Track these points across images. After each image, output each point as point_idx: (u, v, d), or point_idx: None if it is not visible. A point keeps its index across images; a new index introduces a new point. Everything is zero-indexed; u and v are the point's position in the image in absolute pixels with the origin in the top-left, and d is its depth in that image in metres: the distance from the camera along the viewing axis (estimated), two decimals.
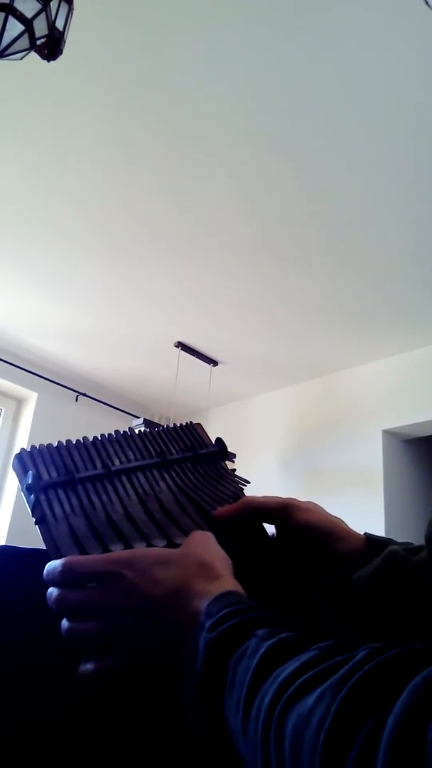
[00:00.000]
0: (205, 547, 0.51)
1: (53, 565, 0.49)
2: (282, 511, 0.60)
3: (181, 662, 0.44)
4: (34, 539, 0.55)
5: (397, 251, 2.32)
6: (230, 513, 0.61)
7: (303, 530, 0.60)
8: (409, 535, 2.85)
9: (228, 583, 0.47)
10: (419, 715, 0.25)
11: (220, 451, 0.69)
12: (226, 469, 0.68)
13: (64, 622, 0.48)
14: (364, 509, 2.84)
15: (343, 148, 1.88)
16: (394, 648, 0.31)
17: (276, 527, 0.63)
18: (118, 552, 0.50)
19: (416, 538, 0.60)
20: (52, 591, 0.49)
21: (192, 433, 0.71)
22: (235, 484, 0.66)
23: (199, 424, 0.73)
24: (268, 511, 0.61)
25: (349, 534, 0.60)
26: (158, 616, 0.46)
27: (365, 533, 0.60)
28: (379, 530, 2.72)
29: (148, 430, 0.69)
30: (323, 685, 0.31)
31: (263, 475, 3.29)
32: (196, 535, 0.54)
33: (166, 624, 0.46)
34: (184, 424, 0.72)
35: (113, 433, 0.66)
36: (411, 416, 2.90)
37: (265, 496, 0.62)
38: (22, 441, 3.51)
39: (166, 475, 0.64)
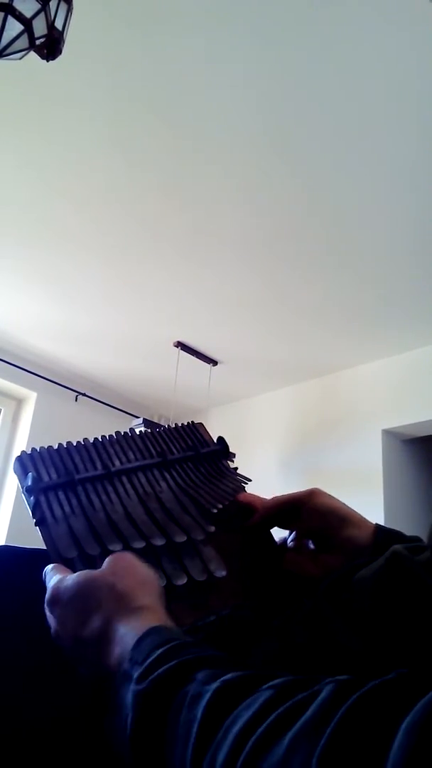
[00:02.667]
0: (122, 572, 0.46)
1: (48, 568, 0.50)
2: (308, 496, 0.64)
3: (108, 717, 0.39)
4: (34, 539, 0.55)
5: (397, 251, 2.32)
6: (264, 515, 0.63)
7: (321, 513, 0.62)
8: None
9: (151, 615, 0.42)
10: (423, 758, 0.22)
11: (222, 450, 0.69)
12: (227, 467, 0.68)
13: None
14: (363, 509, 2.81)
15: (343, 148, 1.88)
16: (363, 682, 0.27)
17: (296, 515, 0.64)
18: (64, 578, 0.47)
19: None
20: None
21: (194, 432, 0.71)
22: (237, 482, 0.66)
23: (201, 423, 0.73)
24: (297, 501, 0.63)
25: (362, 522, 0.63)
26: (90, 655, 0.43)
27: (376, 524, 0.63)
28: None
29: (148, 430, 0.69)
30: (291, 730, 0.26)
31: (263, 474, 3.29)
32: (111, 559, 0.48)
33: (97, 663, 0.42)
34: (186, 423, 0.72)
35: (114, 434, 0.66)
36: (411, 416, 2.90)
37: (286, 494, 0.65)
38: (22, 441, 3.50)
39: (167, 475, 0.64)
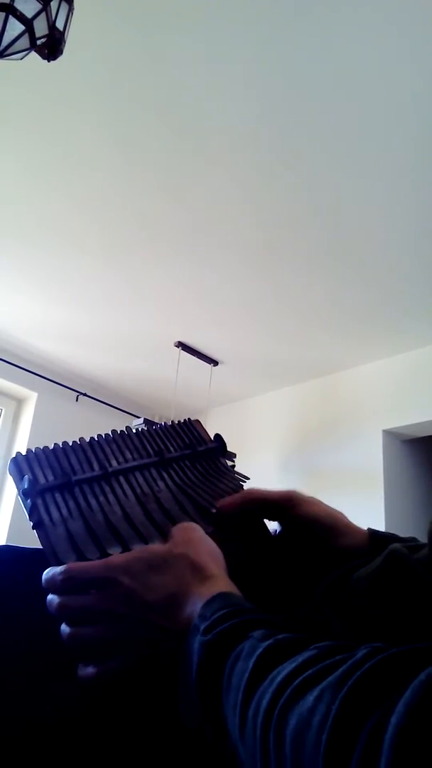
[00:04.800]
0: (193, 544, 0.50)
1: (52, 572, 0.49)
2: (286, 502, 0.60)
3: (178, 667, 0.44)
4: (34, 540, 0.55)
5: (397, 251, 2.32)
6: (234, 506, 0.60)
7: (306, 523, 0.59)
8: (410, 534, 2.84)
9: (221, 583, 0.47)
10: (423, 713, 0.25)
11: (219, 448, 0.69)
12: (225, 465, 0.68)
13: (65, 628, 0.48)
14: (364, 509, 2.84)
15: (343, 147, 1.88)
16: (395, 647, 0.31)
17: (279, 520, 0.62)
18: (114, 557, 0.49)
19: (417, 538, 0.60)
20: (53, 598, 0.49)
21: (190, 430, 0.70)
22: (235, 481, 0.66)
23: (198, 420, 0.72)
24: (272, 502, 0.61)
25: (350, 528, 0.60)
26: (155, 621, 0.46)
27: (369, 528, 0.60)
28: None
29: (145, 427, 0.68)
30: (322, 683, 0.30)
31: (263, 475, 3.29)
32: (180, 529, 0.52)
33: (163, 629, 0.46)
34: (183, 420, 0.71)
35: (110, 433, 0.66)
36: (411, 416, 2.90)
37: (266, 490, 0.62)
38: (22, 441, 3.50)
39: (165, 474, 0.63)
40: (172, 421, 0.71)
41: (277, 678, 0.33)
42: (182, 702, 0.43)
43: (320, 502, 0.61)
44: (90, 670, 0.47)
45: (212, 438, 0.70)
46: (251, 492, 0.62)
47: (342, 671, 0.30)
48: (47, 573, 0.50)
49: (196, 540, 0.51)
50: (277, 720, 0.31)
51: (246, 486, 0.66)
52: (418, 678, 0.26)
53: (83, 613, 0.48)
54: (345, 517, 0.61)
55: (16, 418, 3.63)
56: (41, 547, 0.54)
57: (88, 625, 0.47)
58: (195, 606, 0.44)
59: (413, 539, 0.57)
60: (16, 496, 3.22)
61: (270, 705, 0.32)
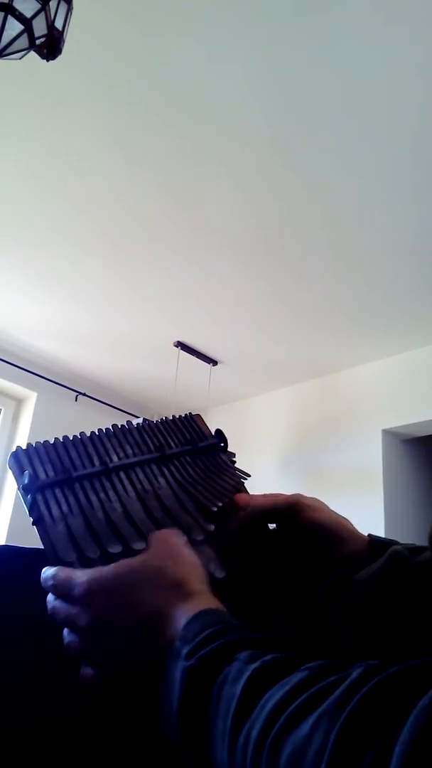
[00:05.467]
0: (174, 556, 0.48)
1: (45, 573, 0.49)
2: (290, 509, 0.60)
3: (157, 691, 0.42)
4: (34, 539, 0.55)
5: (397, 251, 2.32)
6: (240, 523, 0.60)
7: (310, 529, 0.59)
8: (410, 534, 2.85)
9: (203, 599, 0.44)
10: (428, 741, 0.23)
11: (220, 443, 0.68)
12: (226, 461, 0.67)
13: (64, 630, 0.48)
14: (364, 509, 2.84)
15: (343, 148, 1.88)
16: (390, 665, 0.29)
17: (280, 525, 0.62)
18: (98, 569, 0.47)
19: (417, 538, 0.60)
20: (50, 598, 0.49)
21: (191, 425, 0.69)
22: (236, 477, 0.65)
23: (199, 415, 0.71)
24: (276, 511, 0.60)
25: (354, 535, 0.59)
26: (135, 639, 0.44)
27: (369, 534, 0.60)
28: (379, 530, 2.72)
29: (147, 423, 0.68)
30: (318, 710, 0.28)
31: (263, 474, 3.29)
32: (159, 540, 0.49)
33: (144, 647, 0.44)
34: (184, 415, 0.71)
35: (111, 427, 0.65)
36: (411, 416, 2.90)
37: (270, 496, 0.61)
38: (22, 441, 3.50)
39: (165, 470, 0.62)
40: (173, 416, 0.70)
41: (268, 705, 0.31)
42: (164, 728, 0.40)
43: (325, 508, 0.61)
44: (88, 671, 0.47)
45: (213, 433, 0.69)
46: (255, 506, 0.60)
47: (337, 696, 0.29)
48: (44, 572, 0.50)
49: (174, 552, 0.48)
50: (269, 751, 0.29)
51: (246, 485, 0.66)
52: (421, 703, 0.25)
53: (68, 622, 0.47)
54: (350, 524, 0.61)
55: (15, 418, 3.63)
56: (41, 546, 0.54)
57: (76, 634, 0.47)
58: (176, 626, 0.42)
59: (412, 545, 0.57)
60: (16, 495, 3.23)
61: (261, 735, 0.30)
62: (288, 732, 0.29)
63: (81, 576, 0.47)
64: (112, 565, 0.47)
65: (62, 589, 0.47)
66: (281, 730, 0.29)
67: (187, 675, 0.37)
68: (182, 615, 0.42)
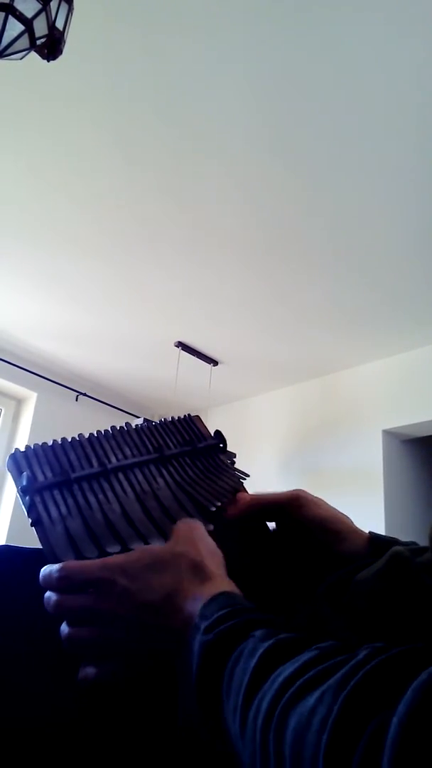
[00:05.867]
0: (194, 543, 0.50)
1: (49, 569, 0.49)
2: (293, 502, 0.60)
3: (177, 667, 0.44)
4: (34, 539, 0.55)
5: (397, 251, 2.32)
6: (239, 514, 0.60)
7: (311, 525, 0.59)
8: (410, 535, 2.84)
9: (222, 583, 0.46)
10: (425, 714, 0.25)
11: (219, 444, 0.68)
12: (225, 462, 0.67)
13: (64, 627, 0.48)
14: (363, 509, 2.84)
15: (343, 147, 1.88)
16: (396, 647, 0.31)
17: (280, 521, 0.62)
18: (111, 557, 0.48)
19: (417, 538, 0.60)
20: (50, 596, 0.48)
21: (190, 426, 0.69)
22: (235, 478, 0.65)
23: (197, 416, 0.71)
24: (277, 505, 0.61)
25: (354, 533, 0.59)
26: (154, 622, 0.45)
27: (370, 532, 0.60)
28: (379, 530, 2.71)
29: (145, 424, 0.68)
30: (324, 685, 0.30)
31: (263, 474, 3.29)
32: (182, 528, 0.52)
33: (162, 629, 0.45)
34: (183, 416, 0.71)
35: (109, 429, 0.65)
36: (411, 416, 2.90)
37: (271, 493, 0.61)
38: (22, 441, 3.50)
39: (164, 471, 0.63)
40: (172, 417, 0.70)
41: (278, 679, 0.33)
42: (182, 702, 0.42)
43: (326, 505, 0.61)
44: (90, 670, 0.47)
45: (212, 434, 0.69)
46: (256, 499, 0.61)
47: (343, 672, 0.30)
48: (44, 570, 0.49)
49: (197, 538, 0.51)
50: (277, 721, 0.31)
51: (245, 484, 0.66)
52: (419, 678, 0.26)
53: (79, 613, 0.47)
54: (350, 521, 0.61)
55: (15, 418, 3.63)
56: (40, 545, 0.54)
57: (85, 626, 0.47)
58: (195, 606, 0.44)
59: (413, 543, 0.57)
60: (16, 496, 3.23)
61: (270, 706, 0.32)
62: (295, 704, 0.31)
63: (95, 563, 0.48)
64: (134, 551, 0.49)
65: (75, 578, 0.47)
66: (288, 702, 0.31)
67: (205, 649, 0.39)
68: (202, 596, 0.44)
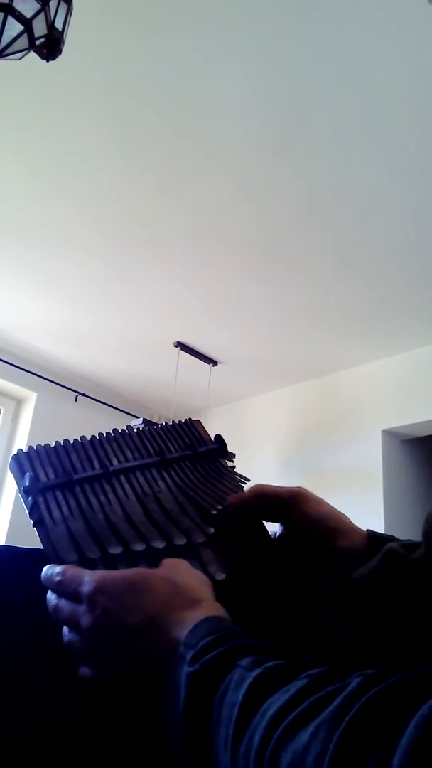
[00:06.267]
0: (180, 570, 0.49)
1: (51, 571, 0.49)
2: (293, 499, 0.60)
3: (160, 696, 0.42)
4: (33, 539, 0.55)
5: (397, 251, 2.32)
6: (243, 501, 0.60)
7: (311, 521, 0.59)
8: (410, 535, 2.84)
9: (207, 607, 0.45)
10: (428, 750, 0.24)
11: (220, 449, 0.68)
12: (225, 466, 0.68)
13: (63, 628, 0.48)
14: (363, 509, 2.84)
15: (343, 148, 1.88)
16: (389, 675, 0.29)
17: (285, 516, 0.62)
18: (98, 571, 0.48)
19: (416, 538, 0.60)
20: (51, 597, 0.48)
21: (191, 430, 0.70)
22: (235, 482, 0.66)
23: (198, 421, 0.72)
24: (280, 499, 0.61)
25: (353, 530, 0.60)
26: (135, 644, 0.44)
27: (368, 530, 0.61)
28: (378, 530, 2.71)
29: (147, 427, 0.68)
30: (317, 718, 0.29)
31: (263, 475, 3.29)
32: (168, 561, 0.50)
33: (144, 653, 0.44)
34: (183, 421, 0.71)
35: (111, 432, 0.66)
36: (411, 416, 2.90)
37: (274, 486, 0.62)
38: (22, 441, 3.50)
39: (165, 475, 0.63)
40: (173, 421, 0.70)
41: (269, 712, 0.32)
42: (165, 733, 0.40)
43: (326, 502, 0.62)
44: (86, 670, 0.47)
45: (213, 439, 0.70)
46: (262, 487, 0.62)
47: (336, 705, 0.29)
48: (47, 570, 0.50)
49: (182, 567, 0.49)
50: (270, 758, 0.30)
51: (246, 487, 0.66)
52: (420, 712, 0.25)
53: (69, 621, 0.47)
54: (349, 519, 0.62)
55: (15, 418, 3.63)
56: (41, 546, 0.54)
57: (77, 634, 0.47)
58: (180, 631, 0.42)
59: (410, 541, 0.57)
60: (16, 496, 3.23)
61: (262, 742, 0.31)
62: (288, 740, 0.29)
63: (90, 575, 0.47)
64: (122, 570, 0.48)
65: (69, 587, 0.47)
66: (281, 738, 0.30)
67: (191, 680, 0.38)
68: (187, 621, 0.43)
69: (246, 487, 0.66)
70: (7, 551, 0.65)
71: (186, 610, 0.44)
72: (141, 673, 0.45)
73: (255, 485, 0.62)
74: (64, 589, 0.48)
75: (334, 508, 0.61)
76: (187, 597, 0.45)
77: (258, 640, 0.39)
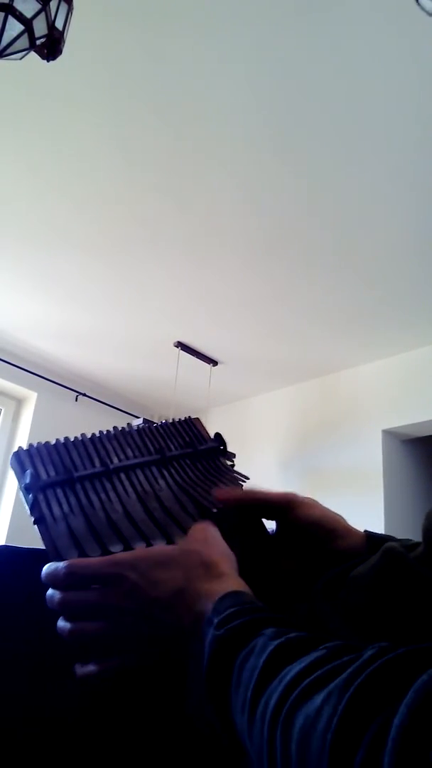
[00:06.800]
0: (207, 543, 0.51)
1: (55, 567, 0.49)
2: (285, 504, 0.60)
3: (187, 661, 0.44)
4: (34, 538, 0.55)
5: (397, 251, 2.32)
6: (234, 500, 0.60)
7: (304, 526, 0.59)
8: (409, 535, 2.84)
9: (233, 582, 0.47)
10: (424, 714, 0.25)
11: (220, 447, 0.69)
12: (225, 465, 0.68)
13: (64, 624, 0.48)
14: (363, 509, 2.84)
15: (343, 147, 1.88)
16: (401, 647, 0.31)
17: (277, 522, 0.62)
18: (120, 553, 0.49)
19: (416, 538, 0.60)
20: (54, 593, 0.48)
21: (191, 428, 0.70)
22: (235, 480, 0.66)
23: (198, 419, 0.72)
24: (271, 504, 0.61)
25: (349, 531, 0.60)
26: (162, 617, 0.46)
27: (365, 530, 0.60)
28: (378, 530, 2.71)
29: (147, 426, 0.68)
30: (330, 685, 0.31)
31: (263, 475, 3.29)
32: (197, 529, 0.53)
33: (169, 625, 0.46)
34: (183, 419, 0.71)
35: (112, 429, 0.66)
36: (411, 416, 2.90)
37: (266, 491, 0.62)
38: (22, 441, 3.50)
39: (166, 473, 0.63)
40: (173, 419, 0.71)
41: (286, 677, 0.33)
42: (190, 693, 0.43)
43: (319, 505, 0.61)
44: (90, 668, 0.47)
45: (212, 437, 0.70)
46: (252, 492, 0.61)
47: (349, 672, 0.30)
48: (48, 567, 0.49)
49: (209, 539, 0.51)
50: (284, 720, 0.32)
51: (246, 486, 0.66)
52: (420, 679, 0.27)
53: (85, 609, 0.47)
54: (344, 520, 0.61)
55: (15, 418, 3.63)
56: (41, 545, 0.54)
57: (91, 621, 0.47)
58: (206, 603, 0.44)
59: (408, 540, 0.57)
60: (16, 496, 3.23)
61: (278, 704, 0.33)
62: (302, 703, 0.31)
63: (103, 559, 0.48)
64: (147, 548, 0.50)
65: (82, 574, 0.48)
66: (296, 701, 0.32)
67: (216, 643, 0.40)
68: (213, 593, 0.45)
69: (246, 486, 0.66)
70: (7, 551, 0.65)
71: (213, 583, 0.46)
72: (162, 648, 0.46)
73: (246, 490, 0.62)
74: (75, 578, 0.48)
75: (328, 511, 0.61)
76: (213, 571, 0.47)
77: (281, 616, 0.41)
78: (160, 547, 0.50)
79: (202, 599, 0.45)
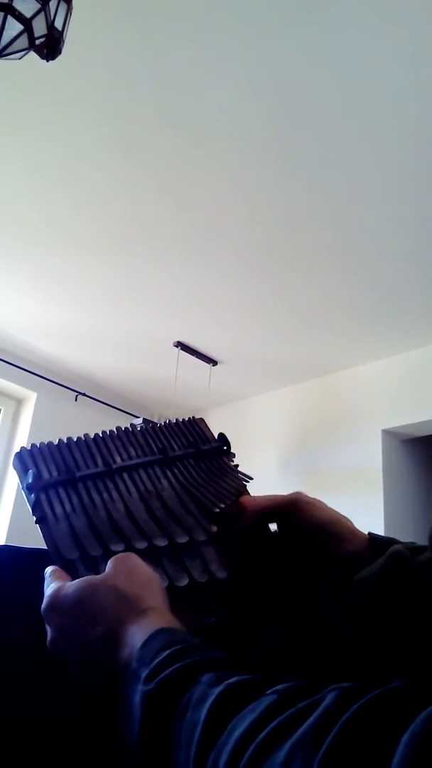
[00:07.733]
0: (128, 574, 0.46)
1: (46, 571, 0.49)
2: (290, 507, 0.59)
3: (117, 716, 0.39)
4: (34, 538, 0.55)
5: (397, 251, 2.32)
6: (248, 522, 0.59)
7: (309, 528, 0.58)
8: (409, 535, 2.84)
9: (158, 616, 0.42)
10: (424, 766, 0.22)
11: (223, 447, 0.68)
12: (228, 464, 0.67)
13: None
14: (363, 509, 2.84)
15: (343, 148, 1.88)
16: (366, 690, 0.27)
17: (280, 524, 0.62)
18: (60, 587, 0.47)
19: (417, 538, 0.60)
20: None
21: (194, 428, 0.70)
22: (238, 480, 0.65)
23: (202, 419, 0.72)
24: (278, 509, 0.60)
25: (354, 534, 0.59)
26: (91, 658, 0.43)
27: (369, 533, 0.60)
28: (378, 530, 2.71)
29: (150, 425, 0.68)
30: (292, 737, 0.26)
31: (263, 474, 3.29)
32: (118, 560, 0.48)
33: (101, 667, 0.42)
34: (187, 419, 0.71)
35: (114, 429, 0.66)
36: (411, 416, 2.90)
37: (270, 497, 0.61)
38: (22, 441, 3.50)
39: (168, 472, 0.63)
40: (177, 419, 0.70)
41: (236, 731, 0.29)
42: (125, 753, 0.38)
43: (325, 506, 0.61)
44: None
45: (216, 437, 0.70)
46: (255, 508, 0.60)
47: (313, 723, 0.26)
48: (47, 569, 0.50)
49: (127, 571, 0.47)
50: None
51: (248, 486, 0.66)
52: (411, 730, 0.23)
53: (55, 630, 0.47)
54: (350, 522, 0.60)
55: (15, 418, 3.63)
56: (41, 546, 0.54)
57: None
58: (132, 646, 0.40)
59: (412, 544, 0.57)
60: (16, 496, 3.23)
61: (230, 763, 0.28)
62: (261, 760, 0.27)
63: (47, 590, 0.47)
64: (75, 582, 0.46)
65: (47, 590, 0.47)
66: (253, 758, 0.27)
67: (148, 700, 0.35)
68: (137, 634, 0.40)
69: (248, 487, 0.66)
70: (7, 551, 0.65)
71: (135, 623, 0.41)
72: (111, 684, 0.43)
73: (249, 503, 0.60)
74: (47, 610, 0.47)
75: (332, 512, 0.60)
76: (135, 606, 0.43)
77: (216, 654, 0.37)
78: (82, 580, 0.46)
79: (126, 643, 0.40)
